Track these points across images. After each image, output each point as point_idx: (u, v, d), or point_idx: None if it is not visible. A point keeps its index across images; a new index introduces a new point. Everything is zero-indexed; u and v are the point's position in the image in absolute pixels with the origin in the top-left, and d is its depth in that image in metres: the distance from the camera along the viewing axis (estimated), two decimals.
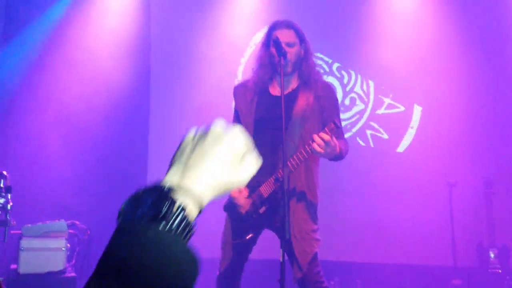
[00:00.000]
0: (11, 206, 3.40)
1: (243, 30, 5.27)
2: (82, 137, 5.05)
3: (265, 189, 2.62)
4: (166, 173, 0.80)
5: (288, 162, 2.51)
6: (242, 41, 5.23)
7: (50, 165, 4.89)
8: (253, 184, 2.66)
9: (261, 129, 2.69)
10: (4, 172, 3.54)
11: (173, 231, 0.67)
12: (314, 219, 2.70)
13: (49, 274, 3.54)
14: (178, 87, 5.44)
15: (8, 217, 3.38)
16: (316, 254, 2.64)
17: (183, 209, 0.69)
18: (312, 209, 2.69)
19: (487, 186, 4.50)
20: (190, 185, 0.74)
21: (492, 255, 4.38)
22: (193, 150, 0.80)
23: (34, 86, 4.98)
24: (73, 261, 3.84)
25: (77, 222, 4.07)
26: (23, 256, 3.54)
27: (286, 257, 2.51)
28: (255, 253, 2.77)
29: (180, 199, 0.70)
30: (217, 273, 2.76)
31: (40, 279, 3.50)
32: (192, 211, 0.71)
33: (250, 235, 2.64)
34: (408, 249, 4.82)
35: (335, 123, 2.40)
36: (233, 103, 2.90)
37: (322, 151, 2.39)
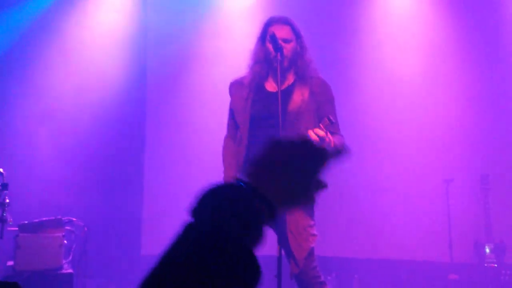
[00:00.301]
0: (8, 203, 3.40)
1: (240, 27, 5.27)
2: (79, 134, 5.04)
3: None
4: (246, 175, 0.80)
5: None
6: (239, 39, 5.23)
7: (47, 161, 4.88)
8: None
9: (257, 125, 2.69)
10: (0, 169, 3.54)
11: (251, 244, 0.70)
12: (311, 214, 2.70)
13: (46, 271, 3.54)
14: (175, 82, 5.45)
15: (4, 214, 3.38)
16: (312, 249, 2.64)
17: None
18: (308, 206, 2.69)
19: (483, 182, 4.52)
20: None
21: (488, 250, 4.40)
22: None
23: (27, 83, 4.95)
24: (70, 258, 3.84)
25: (74, 219, 4.06)
26: (19, 253, 3.53)
27: (283, 253, 2.52)
28: None
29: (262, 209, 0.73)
30: None
31: (37, 276, 3.50)
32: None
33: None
34: (405, 245, 4.83)
35: (329, 119, 2.40)
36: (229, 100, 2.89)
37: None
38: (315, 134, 2.38)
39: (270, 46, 2.63)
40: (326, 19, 5.25)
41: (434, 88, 5.02)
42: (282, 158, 0.82)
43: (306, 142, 0.85)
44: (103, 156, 5.15)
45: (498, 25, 4.95)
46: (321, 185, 0.85)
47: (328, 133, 2.45)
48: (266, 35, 2.70)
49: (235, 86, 2.83)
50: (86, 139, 5.07)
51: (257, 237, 0.73)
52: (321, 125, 2.42)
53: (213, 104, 4.84)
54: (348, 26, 5.27)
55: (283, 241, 2.56)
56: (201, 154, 5.01)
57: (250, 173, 0.80)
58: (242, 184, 0.76)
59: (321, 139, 2.38)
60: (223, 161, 2.82)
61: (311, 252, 2.63)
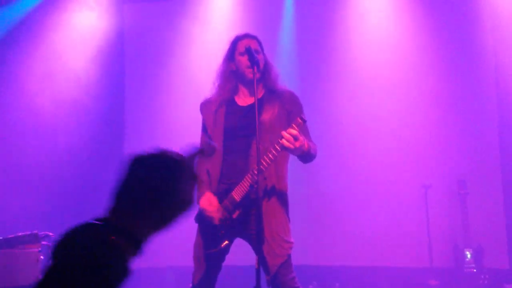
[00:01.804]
0: None
1: (216, 33, 5.29)
2: (56, 146, 4.97)
3: (238, 193, 2.61)
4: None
5: (260, 164, 2.51)
6: (215, 43, 5.24)
7: (23, 174, 4.79)
8: (226, 189, 2.65)
9: (230, 137, 2.72)
10: None
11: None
12: (286, 220, 2.70)
13: (22, 287, 3.46)
14: (152, 86, 5.46)
15: None
16: (289, 257, 2.62)
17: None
18: (283, 204, 2.68)
19: (460, 187, 4.57)
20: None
21: (467, 255, 4.45)
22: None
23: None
24: None
25: (51, 234, 3.99)
26: None
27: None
28: (229, 259, 2.75)
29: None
30: (190, 286, 2.72)
31: None
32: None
33: (225, 243, 2.62)
34: (385, 251, 4.86)
35: (301, 118, 2.45)
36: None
37: (292, 146, 2.42)
38: (288, 133, 2.42)
39: (241, 58, 2.67)
40: (301, 26, 5.29)
41: (411, 94, 5.07)
42: (143, 179, 0.81)
43: (166, 158, 0.84)
44: (81, 167, 5.09)
45: (475, 31, 5.03)
46: (187, 203, 0.85)
47: (301, 134, 2.48)
48: (235, 51, 2.73)
49: (206, 104, 2.86)
50: (64, 152, 5.00)
51: (120, 272, 0.74)
52: (293, 125, 2.46)
53: (190, 104, 4.86)
54: (324, 32, 5.31)
55: (258, 250, 2.55)
56: None
57: (117, 201, 0.82)
58: (98, 222, 0.78)
59: (295, 137, 2.41)
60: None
61: (287, 261, 2.61)
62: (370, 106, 5.11)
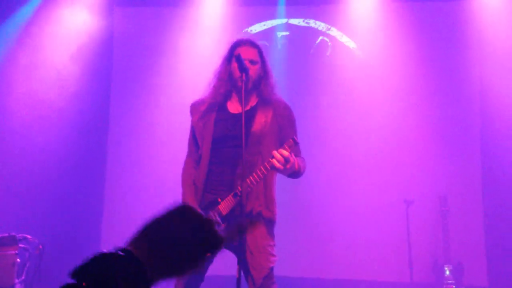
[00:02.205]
0: None
1: (205, 40, 5.29)
2: (34, 147, 4.89)
3: (224, 207, 2.58)
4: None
5: (248, 180, 2.49)
6: (204, 49, 5.25)
7: (0, 176, 4.70)
8: (211, 200, 2.63)
9: (219, 146, 2.68)
10: None
11: None
12: (271, 235, 2.69)
13: None
14: (139, 90, 5.43)
15: None
16: (272, 269, 2.62)
17: None
18: (269, 226, 2.67)
19: (441, 204, 4.61)
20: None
21: (447, 271, 4.47)
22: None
23: None
24: (23, 277, 3.69)
25: (28, 236, 3.92)
26: None
27: (242, 274, 2.48)
28: (211, 270, 2.73)
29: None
30: None
31: None
32: None
33: (207, 254, 2.59)
34: (366, 265, 4.86)
35: (294, 140, 2.43)
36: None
37: (282, 167, 2.40)
38: (279, 154, 2.39)
39: (235, 66, 2.63)
40: (289, 37, 5.32)
41: (395, 111, 5.11)
42: (170, 230, 0.88)
43: (196, 218, 0.91)
44: (61, 169, 5.01)
45: (461, 53, 5.11)
46: (194, 266, 0.91)
47: (292, 154, 2.46)
48: (232, 55, 2.70)
49: (196, 107, 2.81)
50: (42, 153, 4.92)
51: None
52: (285, 146, 2.43)
53: (179, 110, 4.84)
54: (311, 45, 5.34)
55: (241, 261, 2.52)
56: (164, 169, 4.97)
57: (139, 239, 0.86)
58: (122, 253, 0.82)
59: (286, 159, 2.39)
60: (182, 184, 2.79)
61: (270, 273, 2.61)
62: (355, 122, 5.14)
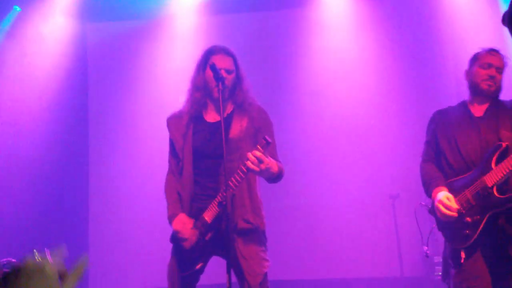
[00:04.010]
0: None
1: (180, 53, 5.27)
2: (10, 159, 4.78)
3: (209, 215, 2.56)
4: None
5: (229, 184, 2.47)
6: (180, 62, 5.24)
7: None
8: (198, 210, 2.60)
9: (200, 156, 2.66)
10: None
11: None
12: (262, 240, 2.67)
13: None
14: (116, 103, 5.40)
15: None
16: (266, 275, 2.60)
17: None
18: (258, 232, 2.64)
19: (427, 196, 4.63)
20: None
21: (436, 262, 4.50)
22: None
23: None
24: None
25: (13, 260, 3.83)
26: None
27: (234, 281, 2.46)
28: (202, 279, 2.70)
29: None
30: None
31: None
32: None
33: (200, 265, 2.57)
34: (356, 263, 4.88)
35: (265, 139, 2.37)
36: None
37: (257, 168, 2.36)
38: (252, 155, 2.36)
39: (210, 75, 2.60)
40: (258, 41, 5.33)
41: (379, 107, 5.15)
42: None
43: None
44: (40, 181, 4.93)
45: (434, 44, 5.17)
46: None
47: (268, 156, 2.44)
48: (206, 63, 2.68)
49: (173, 120, 2.78)
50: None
51: None
52: (258, 146, 2.40)
53: (154, 122, 4.84)
54: (285, 50, 5.36)
55: (235, 268, 2.49)
56: (145, 176, 4.96)
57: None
58: None
59: (259, 160, 2.35)
60: (166, 196, 2.76)
61: (265, 278, 2.59)
62: (338, 120, 5.16)
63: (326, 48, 5.29)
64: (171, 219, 2.66)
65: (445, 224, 2.69)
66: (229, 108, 2.73)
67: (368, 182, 5.00)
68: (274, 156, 2.61)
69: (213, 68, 2.51)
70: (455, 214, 2.57)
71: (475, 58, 2.81)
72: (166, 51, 5.39)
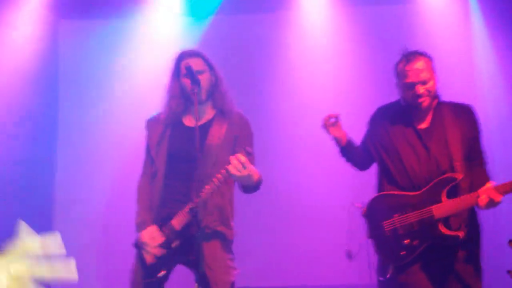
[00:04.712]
0: None
1: (155, 52, 5.20)
2: None
3: (178, 222, 2.50)
4: None
5: (202, 191, 2.42)
6: (154, 63, 5.17)
7: None
8: (165, 216, 2.55)
9: (174, 161, 2.61)
10: None
11: None
12: (229, 248, 2.64)
13: None
14: (87, 105, 5.32)
15: None
16: (233, 284, 2.57)
17: None
18: (226, 241, 2.62)
19: None
20: None
21: None
22: None
23: None
24: None
25: None
26: None
27: None
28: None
29: None
30: None
31: None
32: None
33: (162, 272, 2.51)
34: (327, 270, 4.89)
35: (245, 150, 2.33)
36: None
37: (239, 173, 2.28)
38: (236, 159, 2.28)
39: (186, 80, 2.56)
40: (237, 49, 5.29)
41: (354, 114, 5.14)
42: None
43: None
44: (6, 190, 4.79)
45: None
46: None
47: (249, 164, 2.39)
48: (179, 70, 2.64)
49: (152, 123, 2.75)
50: None
51: None
52: (243, 151, 2.34)
53: (128, 120, 4.81)
54: (262, 56, 5.34)
55: (201, 277, 2.47)
56: (116, 183, 4.89)
57: None
58: None
59: (243, 165, 2.29)
60: (137, 200, 2.70)
61: (232, 287, 2.56)
62: (304, 127, 5.15)
63: (304, 52, 5.28)
64: (139, 226, 2.60)
65: (379, 236, 2.58)
66: (210, 113, 2.69)
67: (343, 190, 5.01)
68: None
69: (189, 70, 2.47)
70: None
71: (397, 73, 2.65)
72: (140, 52, 5.30)
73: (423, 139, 2.57)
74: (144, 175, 2.73)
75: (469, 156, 2.55)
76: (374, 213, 2.62)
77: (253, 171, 2.41)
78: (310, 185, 5.06)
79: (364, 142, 2.86)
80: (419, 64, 2.58)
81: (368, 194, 4.69)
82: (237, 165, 2.28)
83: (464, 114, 2.63)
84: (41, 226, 4.93)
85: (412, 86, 2.57)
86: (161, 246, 2.50)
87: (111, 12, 5.28)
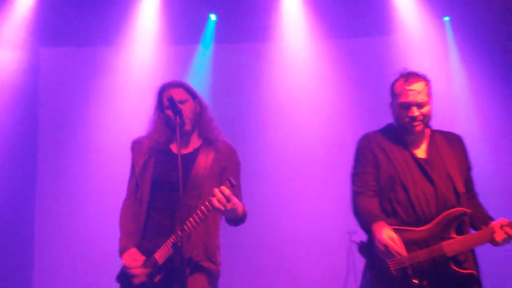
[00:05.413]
0: None
1: (135, 82, 5.18)
2: None
3: (161, 255, 2.42)
4: None
5: (186, 223, 2.33)
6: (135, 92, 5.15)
7: None
8: (149, 249, 2.47)
9: (158, 189, 2.53)
10: None
11: None
12: (215, 284, 2.55)
13: None
14: (66, 132, 5.26)
15: None
16: None
17: None
18: (210, 277, 2.53)
19: None
20: None
21: None
22: None
23: None
24: None
25: None
26: None
27: None
28: None
29: None
30: None
31: None
32: None
33: None
34: None
35: (230, 181, 2.23)
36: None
37: (222, 207, 2.20)
38: (220, 192, 2.21)
39: (169, 112, 2.52)
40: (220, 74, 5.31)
41: (335, 140, 5.20)
42: None
43: None
44: None
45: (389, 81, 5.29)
46: None
47: (234, 197, 2.29)
48: (162, 102, 2.61)
49: (137, 145, 2.69)
50: None
51: None
52: (227, 183, 2.25)
53: (107, 147, 4.84)
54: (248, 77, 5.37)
55: None
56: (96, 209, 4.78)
57: None
58: None
59: (227, 198, 2.21)
60: (120, 226, 2.62)
61: None
62: (297, 154, 5.17)
63: (290, 80, 5.33)
64: (121, 252, 2.52)
65: (384, 276, 2.36)
66: (197, 142, 2.65)
67: (326, 216, 4.99)
68: (238, 197, 2.49)
69: (171, 100, 2.42)
70: (405, 254, 2.28)
71: (393, 92, 2.51)
72: (122, 79, 5.28)
73: (426, 170, 2.41)
74: (128, 200, 2.66)
75: (466, 188, 2.44)
76: (374, 250, 2.37)
77: (237, 204, 2.33)
78: (301, 214, 5.04)
79: (365, 172, 2.54)
80: (418, 85, 2.44)
81: (355, 223, 4.74)
82: (221, 198, 2.21)
83: (457, 144, 2.52)
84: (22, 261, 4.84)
85: (407, 106, 2.43)
86: (144, 281, 2.41)
87: (93, 39, 5.26)
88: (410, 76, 2.48)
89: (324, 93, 5.31)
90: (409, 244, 2.32)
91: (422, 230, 2.35)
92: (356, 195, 2.56)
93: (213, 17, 5.29)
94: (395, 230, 2.33)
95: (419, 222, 2.36)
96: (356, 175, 2.58)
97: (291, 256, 4.94)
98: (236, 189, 2.42)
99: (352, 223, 4.77)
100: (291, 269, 4.90)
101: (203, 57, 5.34)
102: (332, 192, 5.06)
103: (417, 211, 2.38)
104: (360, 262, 4.64)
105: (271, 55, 5.40)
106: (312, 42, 5.36)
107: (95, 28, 5.15)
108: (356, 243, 2.63)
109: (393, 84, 2.52)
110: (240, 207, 2.39)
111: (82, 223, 5.03)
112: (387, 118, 5.13)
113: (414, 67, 5.03)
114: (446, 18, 5.24)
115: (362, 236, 4.77)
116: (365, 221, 2.43)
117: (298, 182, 5.11)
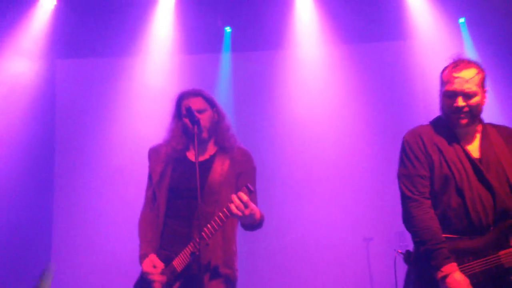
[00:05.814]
0: None
1: (150, 91, 5.22)
2: None
3: (179, 263, 2.42)
4: None
5: (204, 231, 2.34)
6: (149, 100, 5.19)
7: None
8: (167, 257, 2.47)
9: (175, 196, 2.54)
10: None
11: None
12: None
13: None
14: (83, 141, 5.29)
15: None
16: None
17: None
18: (228, 284, 2.52)
19: (400, 239, 4.62)
20: None
21: None
22: None
23: None
24: None
25: None
26: None
27: None
28: None
29: None
30: None
31: None
32: None
33: None
34: None
35: (248, 187, 2.23)
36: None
37: (240, 213, 2.20)
38: (238, 198, 2.21)
39: (187, 120, 2.54)
40: (238, 81, 5.34)
41: (352, 149, 5.17)
42: None
43: None
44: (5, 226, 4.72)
45: (405, 84, 5.27)
46: None
47: (251, 202, 2.28)
48: (181, 110, 2.63)
49: (154, 154, 2.69)
50: None
51: None
52: (245, 189, 2.25)
53: (124, 155, 4.85)
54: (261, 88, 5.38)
55: None
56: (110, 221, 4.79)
57: None
58: None
59: (245, 204, 2.21)
60: (139, 234, 2.62)
61: None
62: (312, 160, 5.16)
63: (304, 85, 5.33)
64: (141, 259, 2.53)
65: (432, 282, 2.14)
66: (212, 149, 2.65)
67: (343, 222, 4.95)
68: (254, 202, 2.49)
69: (189, 110, 2.43)
70: None
71: (441, 79, 2.26)
72: (136, 89, 5.33)
73: (482, 172, 2.17)
74: (146, 208, 2.68)
75: None
76: (422, 262, 2.17)
77: (255, 210, 2.33)
78: (318, 220, 5.01)
79: (419, 175, 2.23)
80: (467, 72, 2.17)
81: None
82: (239, 204, 2.21)
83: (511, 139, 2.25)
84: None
85: (452, 95, 2.17)
86: (165, 283, 2.42)
87: (107, 50, 5.33)
88: (461, 62, 2.21)
89: (339, 99, 5.30)
90: (463, 254, 2.13)
91: (476, 238, 2.14)
92: (409, 201, 2.23)
93: (228, 28, 5.36)
94: (447, 239, 2.14)
95: (474, 231, 2.14)
96: (408, 178, 2.25)
97: (307, 261, 4.90)
98: (252, 194, 2.40)
99: (369, 230, 4.79)
100: (307, 275, 4.86)
101: (218, 65, 5.37)
102: (348, 199, 5.03)
103: (473, 218, 2.14)
104: (375, 269, 4.64)
105: (286, 62, 5.42)
106: (326, 48, 5.36)
107: (110, 40, 5.21)
108: (402, 253, 2.40)
109: (442, 71, 2.27)
110: (257, 212, 2.38)
111: (98, 230, 5.06)
112: (404, 124, 5.12)
113: (430, 72, 5.09)
114: (462, 20, 5.18)
115: (379, 243, 4.76)
116: (430, 250, 2.14)
117: (314, 188, 5.09)
